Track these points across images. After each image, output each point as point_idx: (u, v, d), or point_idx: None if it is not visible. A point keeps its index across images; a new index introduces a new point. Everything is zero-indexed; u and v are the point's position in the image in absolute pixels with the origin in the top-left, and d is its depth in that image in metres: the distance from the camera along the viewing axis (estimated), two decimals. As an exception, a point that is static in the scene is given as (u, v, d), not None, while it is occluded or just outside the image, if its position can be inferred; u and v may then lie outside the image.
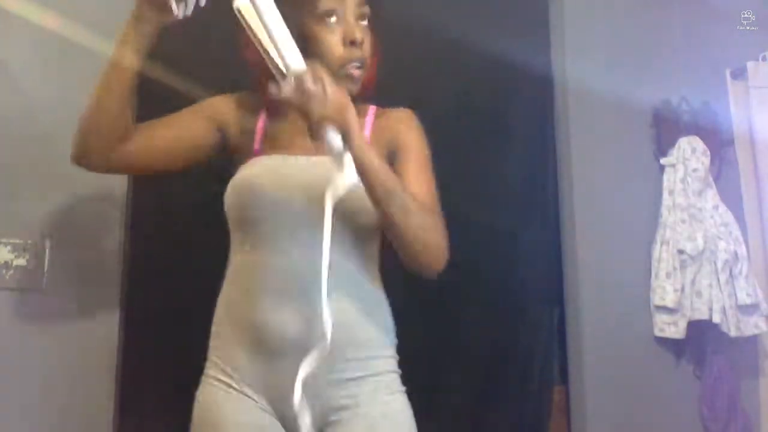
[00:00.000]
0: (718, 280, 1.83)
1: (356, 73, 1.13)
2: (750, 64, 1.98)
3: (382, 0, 1.20)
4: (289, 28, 0.99)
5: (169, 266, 1.67)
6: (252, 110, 1.21)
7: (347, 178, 1.00)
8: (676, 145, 1.92)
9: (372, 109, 1.23)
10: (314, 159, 1.12)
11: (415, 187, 1.11)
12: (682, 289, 1.83)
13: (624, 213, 1.91)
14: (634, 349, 1.84)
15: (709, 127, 1.96)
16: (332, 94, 0.97)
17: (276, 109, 1.19)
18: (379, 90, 1.33)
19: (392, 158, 1.16)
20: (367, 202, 1.07)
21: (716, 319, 1.80)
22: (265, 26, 0.96)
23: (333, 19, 1.11)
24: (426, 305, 1.76)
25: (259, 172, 1.13)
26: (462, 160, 1.80)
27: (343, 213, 1.08)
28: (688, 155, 1.90)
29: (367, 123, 1.19)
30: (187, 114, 1.21)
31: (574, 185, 1.89)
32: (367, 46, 1.14)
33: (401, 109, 1.24)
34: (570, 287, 1.88)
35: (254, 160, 1.16)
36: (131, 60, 1.08)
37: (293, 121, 1.15)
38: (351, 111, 0.99)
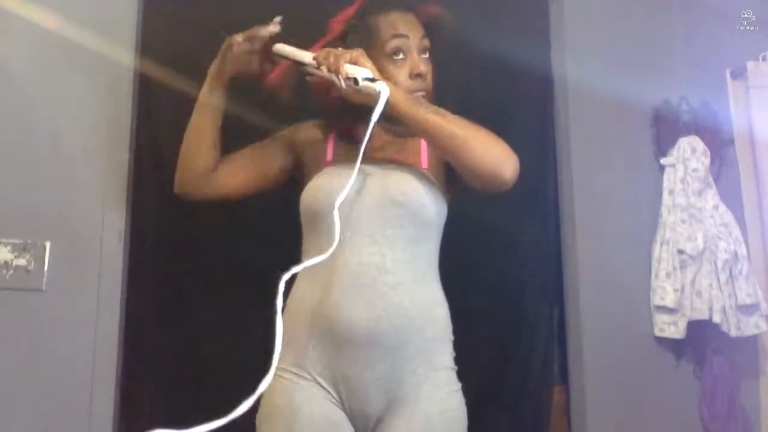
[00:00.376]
0: (718, 280, 1.83)
1: (420, 97, 1.25)
2: (750, 64, 1.98)
3: (442, 33, 1.33)
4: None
5: (170, 266, 1.67)
6: (322, 133, 1.36)
7: (382, 94, 1.12)
8: (676, 145, 1.92)
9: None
10: (381, 165, 1.24)
11: None
12: (682, 289, 1.83)
13: (624, 213, 1.91)
14: (634, 349, 1.84)
15: (709, 127, 1.96)
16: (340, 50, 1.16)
17: (342, 130, 1.33)
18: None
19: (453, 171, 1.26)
20: (425, 199, 1.20)
21: (716, 319, 1.80)
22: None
23: (400, 56, 1.25)
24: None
25: (329, 179, 1.23)
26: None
27: (404, 209, 1.19)
28: (688, 155, 1.90)
29: (423, 147, 1.29)
30: (264, 143, 1.39)
31: (574, 185, 1.89)
32: (429, 77, 1.29)
33: None
34: (570, 287, 1.88)
35: (328, 169, 1.27)
36: (219, 102, 1.31)
37: (361, 136, 1.24)
38: (358, 50, 1.17)
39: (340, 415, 1.17)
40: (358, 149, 1.17)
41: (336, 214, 1.07)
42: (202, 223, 1.68)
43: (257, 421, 1.18)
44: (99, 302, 1.58)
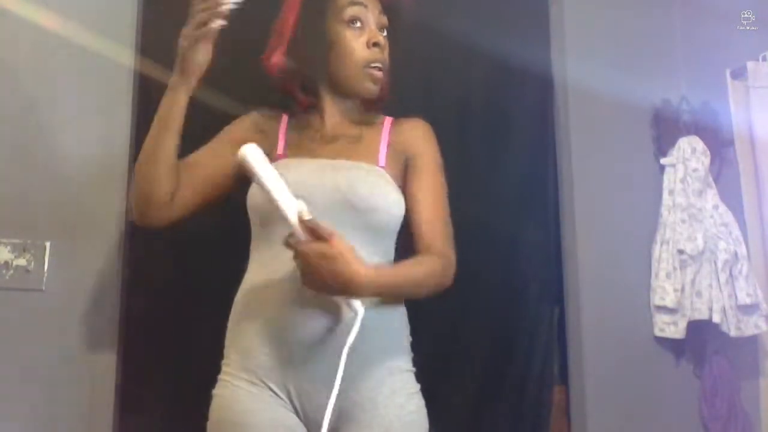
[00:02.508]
0: (718, 280, 1.83)
1: (377, 74, 1.23)
2: (750, 64, 1.98)
3: (400, 13, 1.28)
4: (318, 32, 1.16)
5: (170, 266, 1.67)
6: (272, 120, 1.29)
7: (358, 315, 1.07)
8: (676, 145, 1.92)
9: (388, 121, 1.31)
10: (334, 162, 1.18)
11: (426, 196, 1.21)
12: (682, 289, 1.83)
13: (624, 213, 1.91)
14: (634, 349, 1.84)
15: (709, 127, 1.96)
16: (324, 255, 1.04)
17: (296, 118, 1.28)
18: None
19: (407, 165, 1.24)
20: (381, 202, 1.15)
21: (716, 319, 1.80)
22: (264, 181, 1.07)
23: (357, 24, 1.21)
24: (426, 305, 1.75)
25: (282, 173, 1.15)
26: (462, 160, 1.80)
27: (359, 212, 1.14)
28: (688, 155, 1.90)
29: (383, 136, 1.26)
30: (216, 145, 1.28)
31: (574, 185, 1.89)
32: (386, 52, 1.25)
33: (414, 119, 1.32)
34: (570, 287, 1.88)
35: (277, 163, 1.18)
36: (181, 115, 1.18)
37: (314, 128, 1.24)
38: (344, 266, 1.04)
39: (295, 422, 1.12)
40: (311, 140, 1.16)
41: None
42: (202, 223, 1.68)
43: None
44: (99, 302, 1.58)
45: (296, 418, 1.12)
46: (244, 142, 1.16)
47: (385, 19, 1.25)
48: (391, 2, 1.26)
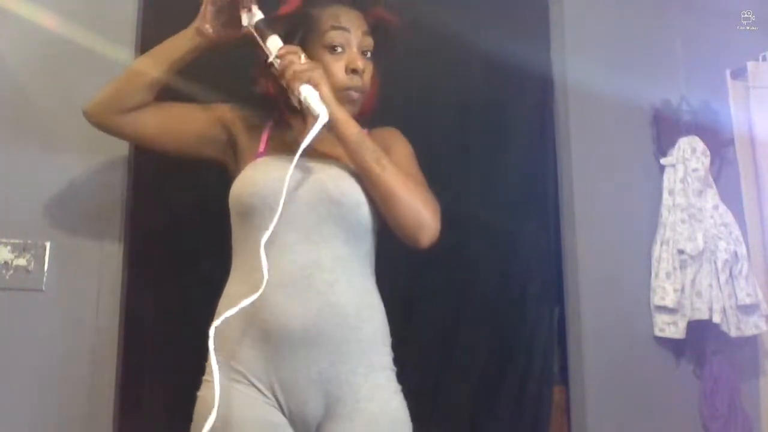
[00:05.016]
0: (718, 280, 1.83)
1: (355, 96, 1.25)
2: (750, 64, 1.98)
3: (388, 31, 1.31)
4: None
5: (169, 266, 1.67)
6: (259, 119, 1.31)
7: (320, 119, 1.13)
8: (676, 145, 1.92)
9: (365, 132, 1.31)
10: (315, 161, 1.20)
11: (401, 165, 1.22)
12: (682, 289, 1.83)
13: (624, 213, 1.91)
14: (634, 349, 1.84)
15: (709, 127, 1.96)
16: (305, 61, 1.15)
17: (282, 119, 1.30)
18: (381, 91, 1.35)
19: None
20: (363, 200, 1.17)
21: (716, 319, 1.80)
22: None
23: (339, 49, 1.23)
24: (426, 305, 1.76)
25: (263, 170, 1.19)
26: (462, 160, 1.80)
27: (342, 207, 1.16)
28: (688, 155, 1.90)
29: None
30: (200, 107, 1.32)
31: (574, 185, 1.89)
32: (367, 76, 1.26)
33: (387, 128, 1.36)
34: (570, 287, 1.88)
35: (258, 160, 1.23)
36: (173, 62, 1.26)
37: (298, 129, 1.26)
38: (320, 70, 1.16)
39: (279, 418, 1.13)
40: (293, 142, 1.18)
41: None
42: (203, 222, 1.68)
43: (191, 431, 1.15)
44: (99, 302, 1.58)
45: (281, 414, 1.13)
46: (224, 118, 1.29)
47: (369, 40, 1.27)
48: (377, 22, 1.29)
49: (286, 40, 1.21)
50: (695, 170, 1.89)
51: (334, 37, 1.23)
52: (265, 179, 1.16)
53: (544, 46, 1.96)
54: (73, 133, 1.64)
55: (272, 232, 1.12)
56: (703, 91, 1.99)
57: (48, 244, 1.57)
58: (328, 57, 1.23)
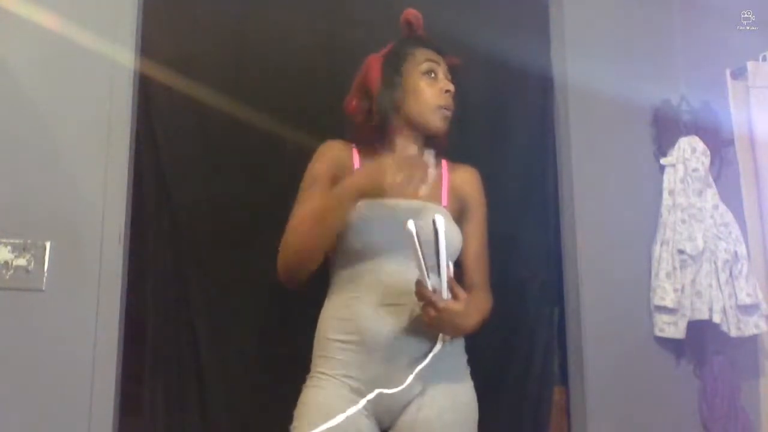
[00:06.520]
0: (718, 280, 1.83)
1: (448, 113, 1.43)
2: (750, 64, 1.98)
3: (457, 75, 1.47)
4: (395, 83, 1.40)
5: (169, 266, 1.67)
6: (346, 152, 1.44)
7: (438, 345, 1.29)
8: (676, 145, 1.92)
9: (445, 164, 1.49)
10: (410, 202, 1.34)
11: (476, 236, 1.43)
12: (682, 289, 1.83)
13: (624, 213, 1.91)
14: (634, 349, 1.84)
15: (709, 127, 1.96)
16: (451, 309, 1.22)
17: (364, 149, 1.43)
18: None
19: (463, 208, 1.44)
20: (458, 241, 1.37)
21: (716, 319, 1.80)
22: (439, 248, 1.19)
23: (432, 75, 1.43)
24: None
25: (382, 216, 1.32)
26: (462, 160, 1.80)
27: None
28: (688, 155, 1.90)
29: (444, 178, 1.45)
30: (324, 174, 1.40)
31: (574, 185, 1.89)
32: (452, 101, 1.44)
33: (467, 167, 1.51)
34: (570, 287, 1.88)
35: (370, 202, 1.32)
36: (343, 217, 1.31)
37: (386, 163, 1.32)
38: (466, 320, 1.27)
39: (365, 421, 1.27)
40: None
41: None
42: (202, 222, 1.68)
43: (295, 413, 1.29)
44: (99, 302, 1.58)
45: (366, 416, 1.27)
46: (336, 179, 1.35)
47: (450, 77, 1.45)
48: (453, 66, 1.47)
49: (384, 75, 1.41)
50: (695, 170, 1.89)
51: (429, 65, 1.43)
52: (382, 224, 1.31)
53: (544, 46, 1.97)
54: (73, 133, 1.65)
55: (370, 259, 1.31)
56: (703, 91, 1.99)
57: (48, 244, 1.57)
58: (423, 81, 1.41)
